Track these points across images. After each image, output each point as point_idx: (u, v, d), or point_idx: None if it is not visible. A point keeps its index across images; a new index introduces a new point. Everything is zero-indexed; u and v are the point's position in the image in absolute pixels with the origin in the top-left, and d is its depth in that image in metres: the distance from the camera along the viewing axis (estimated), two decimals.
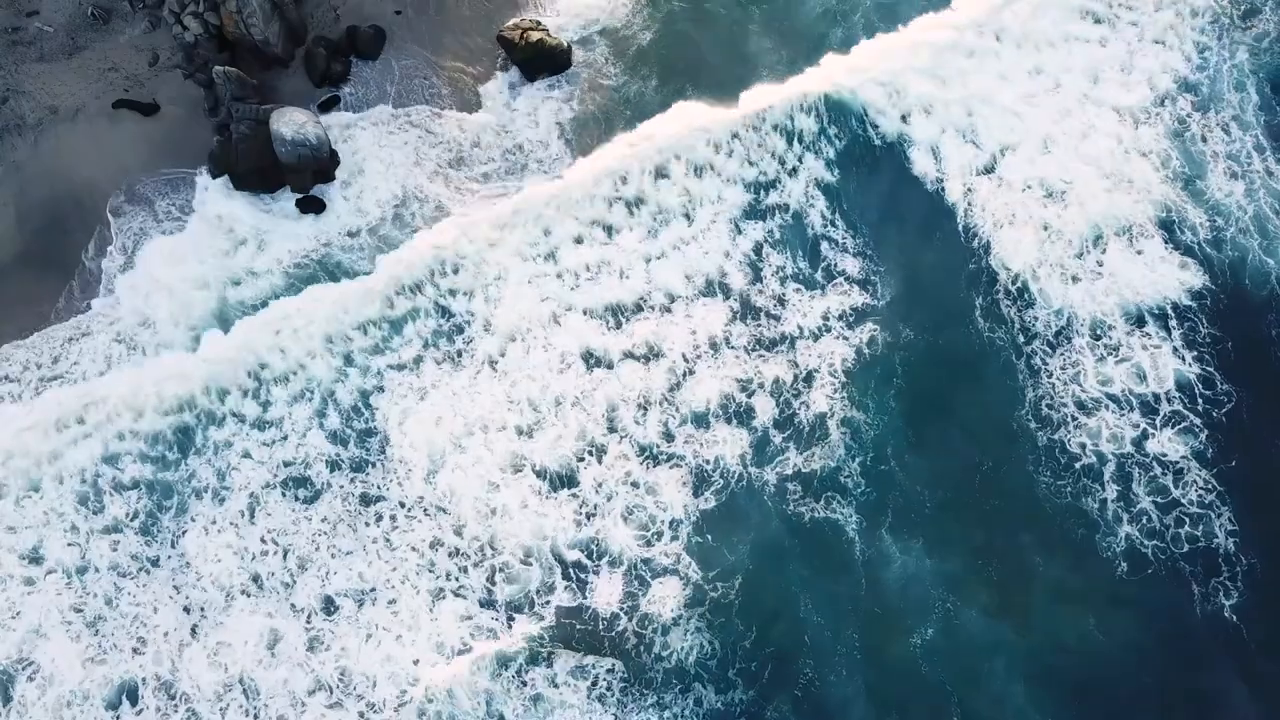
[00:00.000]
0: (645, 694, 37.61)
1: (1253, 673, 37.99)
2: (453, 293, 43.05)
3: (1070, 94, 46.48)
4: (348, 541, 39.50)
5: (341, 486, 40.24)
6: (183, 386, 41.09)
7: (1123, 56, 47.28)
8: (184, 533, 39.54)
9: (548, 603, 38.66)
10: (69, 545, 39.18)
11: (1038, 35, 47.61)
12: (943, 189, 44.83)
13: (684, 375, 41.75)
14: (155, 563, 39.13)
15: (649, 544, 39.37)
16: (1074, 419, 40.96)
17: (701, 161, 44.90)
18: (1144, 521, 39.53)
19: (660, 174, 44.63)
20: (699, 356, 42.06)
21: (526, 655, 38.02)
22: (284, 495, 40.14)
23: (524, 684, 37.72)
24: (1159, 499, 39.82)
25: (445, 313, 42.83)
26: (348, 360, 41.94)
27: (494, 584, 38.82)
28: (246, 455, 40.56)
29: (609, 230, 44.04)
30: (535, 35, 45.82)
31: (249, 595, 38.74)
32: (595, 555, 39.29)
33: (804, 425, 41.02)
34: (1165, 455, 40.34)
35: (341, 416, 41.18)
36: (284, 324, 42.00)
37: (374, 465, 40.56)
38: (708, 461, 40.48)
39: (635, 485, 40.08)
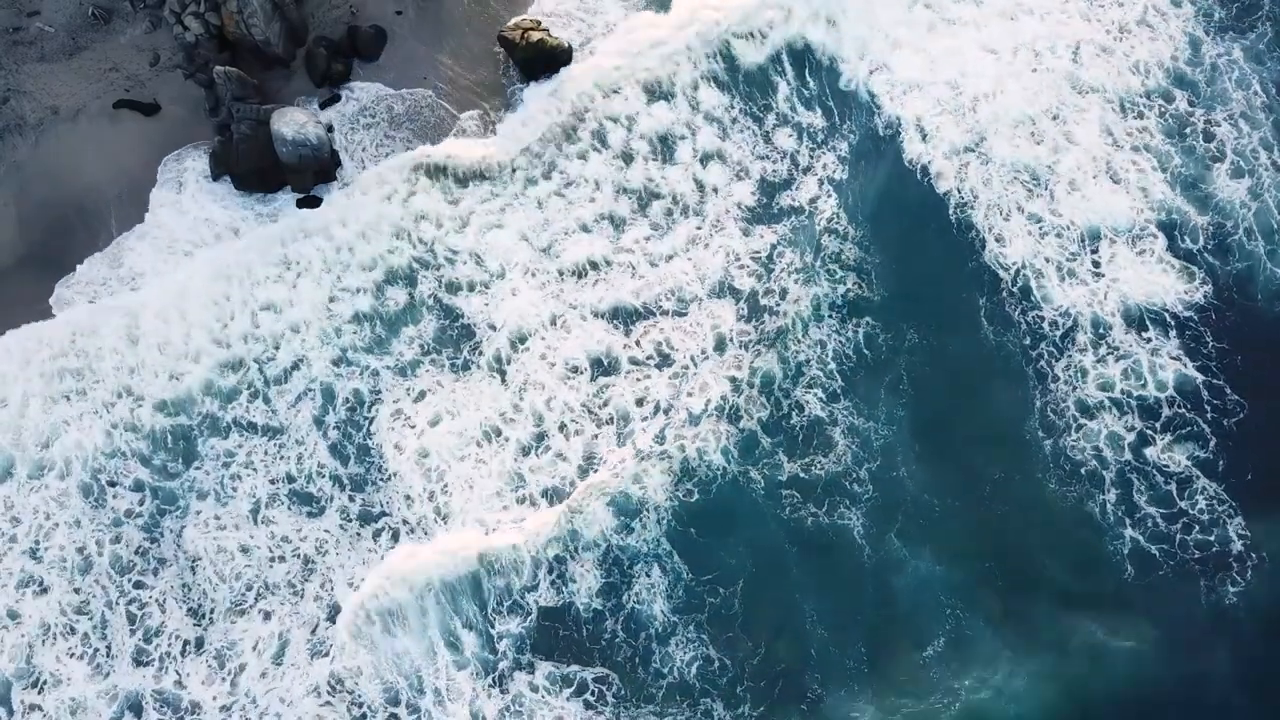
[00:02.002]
0: (643, 706, 37.56)
1: (1262, 679, 37.81)
2: (453, 289, 42.91)
3: (1057, 74, 45.97)
4: (349, 556, 39.52)
5: (342, 502, 40.20)
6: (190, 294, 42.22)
7: (1107, 37, 46.71)
8: (183, 528, 39.67)
9: (529, 592, 38.65)
10: (71, 540, 39.39)
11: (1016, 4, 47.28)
12: (939, 180, 44.27)
13: (689, 377, 41.54)
14: (163, 563, 39.24)
15: (629, 532, 39.31)
16: (1080, 424, 40.60)
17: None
18: (1150, 526, 39.26)
19: (667, 158, 44.66)
20: (705, 357, 41.84)
21: (510, 663, 38.06)
22: (288, 507, 40.15)
23: (504, 692, 37.71)
24: (1166, 508, 39.50)
25: (447, 312, 42.69)
26: (347, 361, 41.88)
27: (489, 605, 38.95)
28: (250, 466, 40.57)
29: (617, 224, 43.95)
30: (536, 35, 45.62)
31: (260, 597, 38.87)
32: (578, 550, 39.30)
33: (808, 430, 40.82)
34: (1169, 466, 39.99)
35: (341, 430, 41.04)
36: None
37: (373, 481, 40.49)
38: (705, 463, 40.27)
39: (630, 492, 39.92)
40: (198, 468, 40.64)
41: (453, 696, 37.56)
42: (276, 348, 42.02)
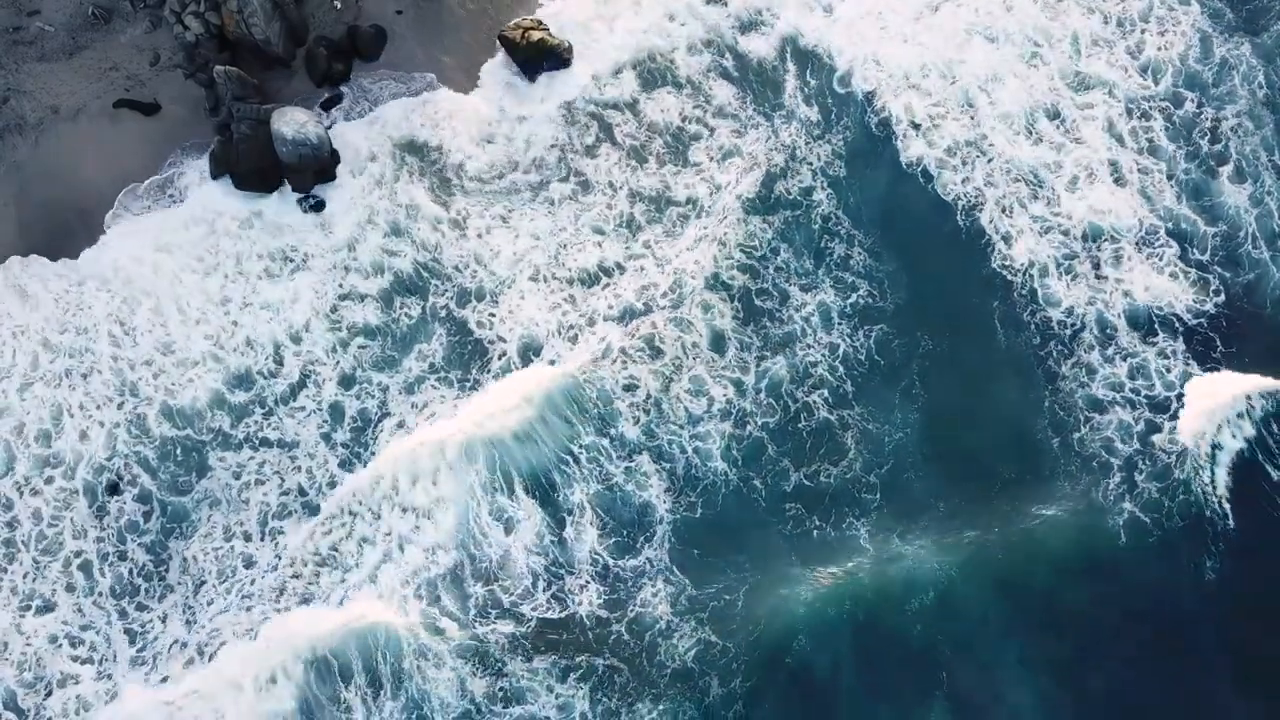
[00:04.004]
0: (644, 689, 37.36)
1: (1247, 651, 37.92)
2: (463, 299, 42.64)
3: (1056, 67, 45.86)
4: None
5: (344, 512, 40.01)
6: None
7: (1113, 32, 46.57)
8: (190, 542, 39.48)
9: (522, 602, 38.44)
10: (75, 551, 39.19)
11: None
12: (943, 181, 44.16)
13: (685, 376, 41.42)
14: (169, 589, 39.06)
15: (634, 550, 39.08)
16: (1088, 419, 40.49)
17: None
18: (1155, 514, 39.16)
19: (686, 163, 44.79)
20: (698, 356, 41.71)
21: (506, 649, 37.85)
22: (296, 522, 39.88)
23: (499, 676, 37.50)
24: (1169, 497, 39.45)
25: (457, 327, 42.34)
26: (354, 380, 41.57)
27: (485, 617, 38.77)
28: (260, 480, 40.31)
29: (632, 226, 43.89)
30: (536, 35, 45.59)
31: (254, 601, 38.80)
32: (572, 564, 39.05)
33: (811, 432, 40.73)
34: (1174, 447, 40.00)
35: (349, 448, 40.69)
36: None
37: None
38: (706, 467, 40.12)
39: (626, 499, 39.79)
40: (209, 477, 40.29)
41: (437, 664, 37.39)
42: (281, 362, 41.74)
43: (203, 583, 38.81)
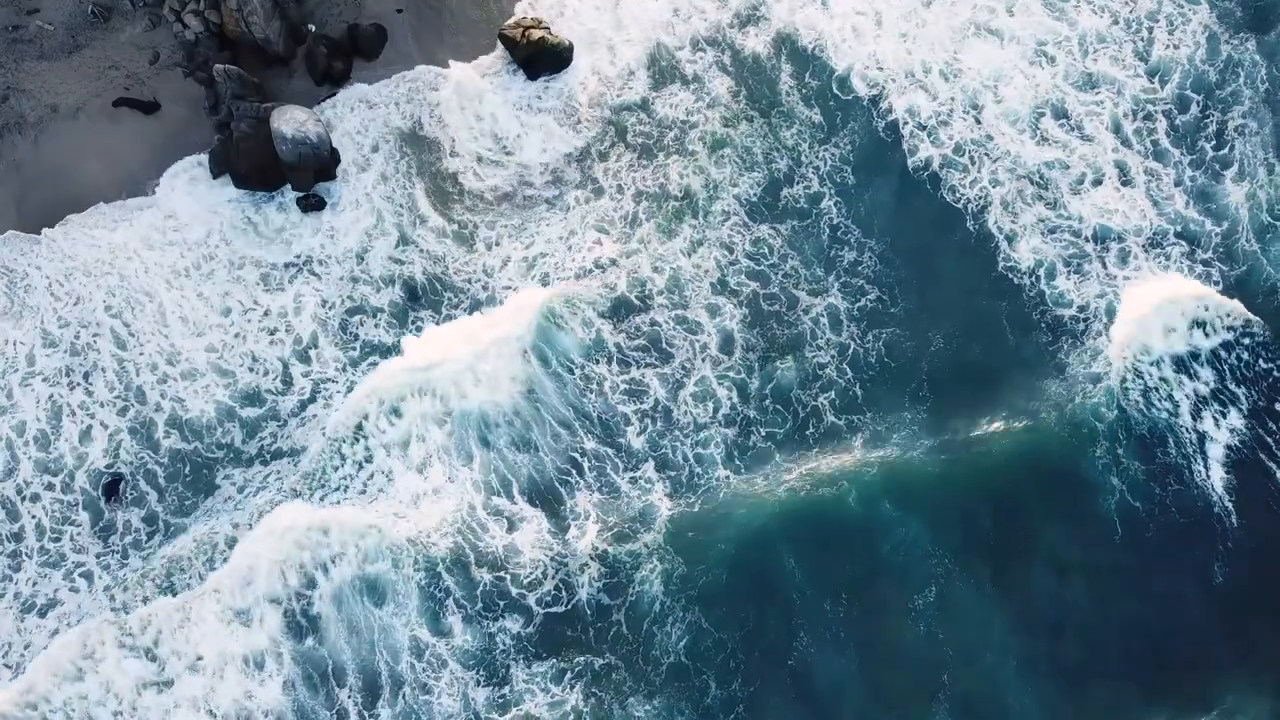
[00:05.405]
0: (639, 685, 37.27)
1: (1247, 646, 38.09)
2: (473, 310, 42.38)
3: (1063, 67, 45.65)
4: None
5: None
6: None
7: (1119, 31, 46.31)
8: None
9: (528, 594, 38.36)
10: (76, 564, 39.17)
11: None
12: (949, 181, 43.96)
13: (689, 379, 41.29)
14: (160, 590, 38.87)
15: (631, 540, 39.01)
16: (1095, 414, 40.44)
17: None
18: (1155, 508, 39.37)
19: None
20: (707, 358, 41.59)
21: (511, 652, 37.72)
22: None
23: (502, 682, 37.38)
24: (1170, 488, 39.75)
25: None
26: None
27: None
28: (262, 489, 40.01)
29: (632, 223, 43.77)
30: (537, 34, 45.35)
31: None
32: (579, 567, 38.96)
33: (819, 438, 40.68)
34: (1183, 453, 40.17)
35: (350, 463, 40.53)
36: None
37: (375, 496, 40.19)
38: (710, 475, 40.02)
39: (625, 498, 39.70)
40: (215, 495, 40.12)
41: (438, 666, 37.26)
42: (289, 381, 41.48)
43: (183, 570, 38.84)
